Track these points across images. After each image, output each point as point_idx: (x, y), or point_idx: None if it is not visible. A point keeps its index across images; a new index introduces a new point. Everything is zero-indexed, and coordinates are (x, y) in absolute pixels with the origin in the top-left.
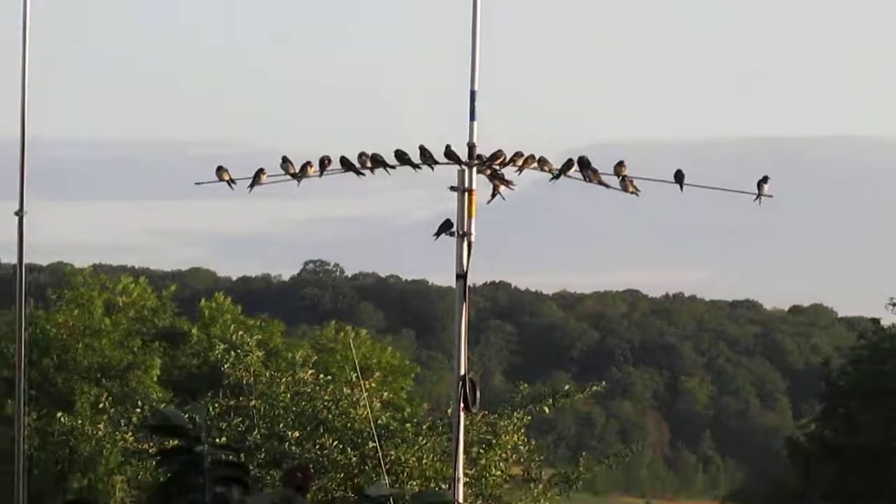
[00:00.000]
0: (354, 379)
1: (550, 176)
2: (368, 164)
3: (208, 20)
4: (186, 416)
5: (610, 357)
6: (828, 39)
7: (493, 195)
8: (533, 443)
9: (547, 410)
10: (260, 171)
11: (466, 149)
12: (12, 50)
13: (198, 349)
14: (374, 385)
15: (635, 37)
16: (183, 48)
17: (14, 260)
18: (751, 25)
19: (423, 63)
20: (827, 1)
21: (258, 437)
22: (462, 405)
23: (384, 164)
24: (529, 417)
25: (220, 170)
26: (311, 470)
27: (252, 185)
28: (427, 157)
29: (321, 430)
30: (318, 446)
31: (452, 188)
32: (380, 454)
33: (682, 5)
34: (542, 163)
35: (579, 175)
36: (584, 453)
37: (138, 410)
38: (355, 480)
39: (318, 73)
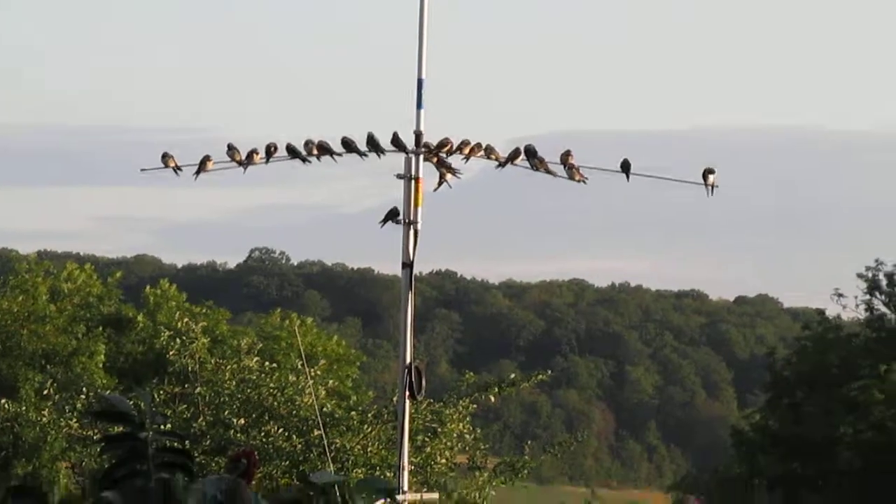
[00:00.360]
0: (300, 367)
1: (497, 164)
2: (315, 152)
3: (156, 7)
4: (131, 402)
5: (556, 346)
6: (775, 32)
7: (440, 183)
8: (478, 431)
9: (492, 399)
10: (206, 158)
11: (413, 137)
12: None
13: (143, 336)
14: (319, 373)
15: (584, 27)
16: (130, 33)
17: None
18: (699, 17)
19: (370, 51)
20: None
21: (203, 423)
22: (407, 393)
23: (330, 152)
24: (475, 406)
25: (165, 156)
26: (256, 456)
27: (198, 173)
28: (374, 145)
29: (266, 418)
30: (263, 433)
31: (399, 176)
32: (325, 442)
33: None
34: (489, 151)
35: (526, 164)
36: (529, 442)
37: (83, 397)
38: (300, 467)
39: (265, 61)
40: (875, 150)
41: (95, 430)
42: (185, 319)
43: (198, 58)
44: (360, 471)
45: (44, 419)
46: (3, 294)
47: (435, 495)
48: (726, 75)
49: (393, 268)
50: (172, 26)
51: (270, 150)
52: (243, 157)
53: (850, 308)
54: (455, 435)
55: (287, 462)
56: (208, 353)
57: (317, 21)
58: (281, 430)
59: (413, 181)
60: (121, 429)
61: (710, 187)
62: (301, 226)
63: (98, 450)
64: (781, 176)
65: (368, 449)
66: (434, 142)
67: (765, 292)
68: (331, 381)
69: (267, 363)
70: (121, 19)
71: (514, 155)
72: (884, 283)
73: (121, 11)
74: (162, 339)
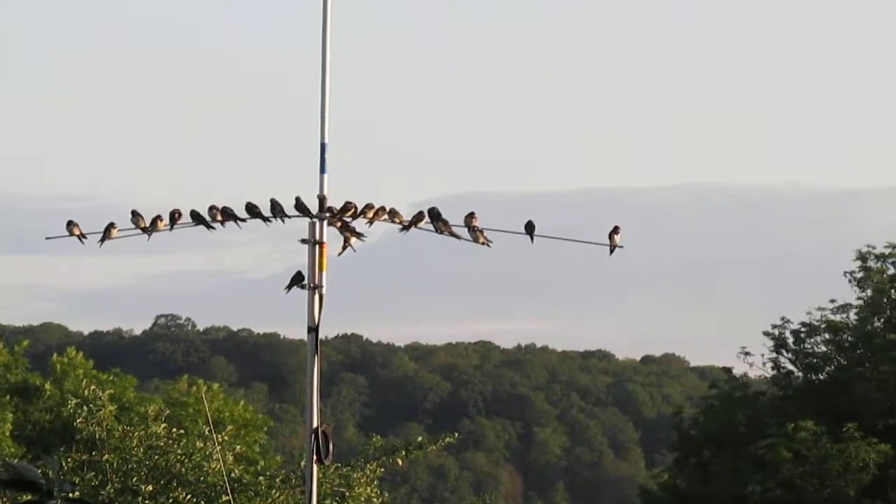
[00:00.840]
0: (207, 432)
1: (401, 227)
2: (219, 218)
3: (64, 73)
4: (39, 471)
5: (462, 408)
6: (666, 89)
7: (344, 247)
8: (386, 495)
9: (400, 462)
10: (110, 226)
11: (317, 201)
12: None
13: (50, 404)
14: (226, 438)
15: (484, 89)
16: (33, 103)
17: None
18: (590, 78)
19: (272, 117)
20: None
21: (111, 491)
22: (315, 457)
23: (235, 218)
24: (382, 469)
25: (70, 224)
26: None
27: (102, 240)
28: (277, 210)
29: (174, 484)
30: (171, 500)
31: (303, 241)
32: None
33: (531, 59)
34: (393, 214)
35: (430, 227)
36: None
37: None
38: None
39: (167, 128)
40: (775, 206)
41: (4, 499)
42: (92, 387)
43: (99, 126)
44: None
45: None
46: None
47: None
48: (623, 134)
49: (299, 332)
50: (74, 95)
51: (174, 217)
52: (147, 224)
53: (756, 366)
54: (363, 499)
55: None
56: (115, 421)
57: (219, 88)
58: (189, 496)
59: (317, 246)
60: (30, 497)
61: (613, 247)
62: (206, 292)
63: None
64: (682, 234)
65: None
66: (337, 206)
67: (671, 351)
68: (238, 447)
69: (174, 429)
70: (21, 92)
71: (418, 218)
72: (790, 340)
73: (19, 84)
74: (69, 406)
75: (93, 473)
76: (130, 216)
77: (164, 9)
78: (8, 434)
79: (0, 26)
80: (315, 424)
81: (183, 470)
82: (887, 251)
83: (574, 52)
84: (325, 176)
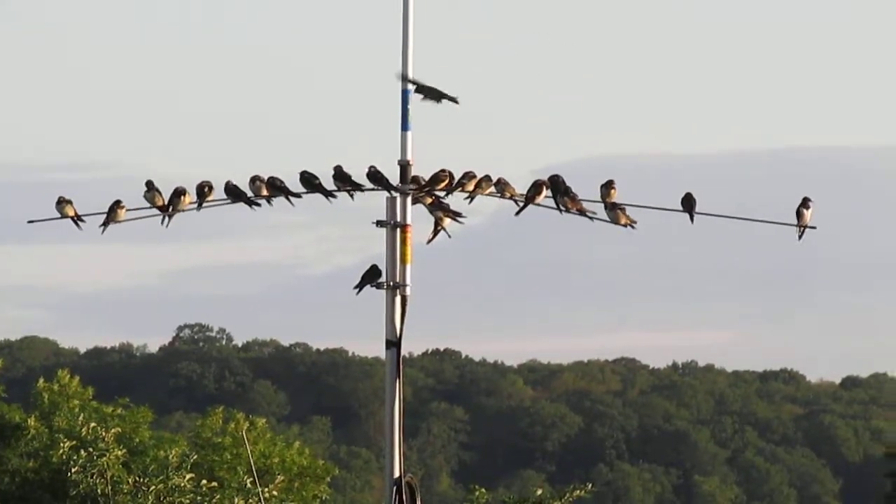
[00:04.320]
0: (249, 485)
1: (514, 206)
2: (264, 192)
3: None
4: None
5: (598, 451)
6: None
7: (436, 232)
8: None
9: None
10: (116, 205)
11: (398, 169)
12: None
13: (35, 448)
14: (276, 493)
15: (612, 23)
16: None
17: None
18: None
19: (336, 51)
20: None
21: None
22: None
23: (285, 192)
24: None
25: (61, 202)
26: None
27: (106, 224)
28: (344, 181)
29: None
30: None
31: (379, 223)
32: None
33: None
34: (502, 186)
35: (552, 202)
36: None
37: None
38: None
39: (189, 71)
40: None
41: None
42: (92, 424)
43: (95, 68)
44: None
45: None
46: None
47: None
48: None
49: (373, 348)
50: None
51: (204, 191)
52: (166, 202)
53: None
54: None
55: None
56: (124, 470)
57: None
58: None
59: (399, 230)
60: None
61: (802, 227)
62: (247, 293)
63: None
64: None
65: None
66: (427, 175)
67: (882, 371)
68: None
69: (205, 481)
70: None
71: (536, 191)
72: None
73: None
74: (61, 451)
75: None
76: (144, 191)
77: None
78: None
79: None
80: (397, 474)
81: None
82: None
83: None
84: (409, 134)
